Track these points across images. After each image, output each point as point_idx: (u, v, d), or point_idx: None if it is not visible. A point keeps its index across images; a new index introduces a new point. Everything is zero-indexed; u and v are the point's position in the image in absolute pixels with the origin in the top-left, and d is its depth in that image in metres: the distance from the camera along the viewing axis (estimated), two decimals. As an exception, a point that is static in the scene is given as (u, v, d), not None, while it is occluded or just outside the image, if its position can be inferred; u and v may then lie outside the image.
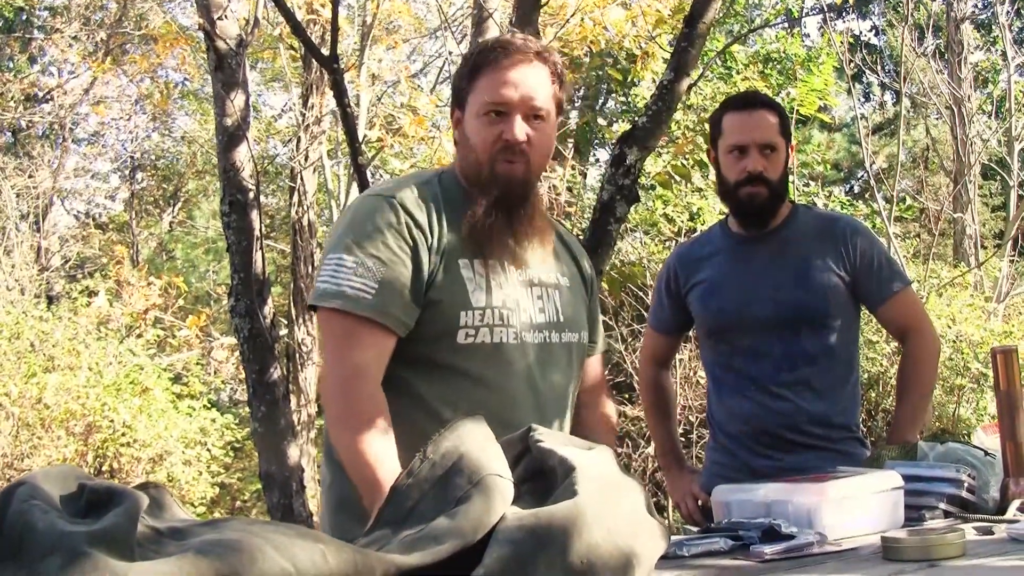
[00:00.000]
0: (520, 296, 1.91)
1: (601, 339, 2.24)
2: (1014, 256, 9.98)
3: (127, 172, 15.82)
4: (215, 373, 10.87)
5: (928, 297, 7.88)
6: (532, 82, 1.87)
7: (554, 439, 1.49)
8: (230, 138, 4.57)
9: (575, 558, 1.26)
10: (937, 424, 7.83)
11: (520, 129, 1.86)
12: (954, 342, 7.83)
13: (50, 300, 10.94)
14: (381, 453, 1.74)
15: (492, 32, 4.62)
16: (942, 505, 1.84)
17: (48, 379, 7.86)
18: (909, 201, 10.88)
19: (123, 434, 8.17)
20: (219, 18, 4.52)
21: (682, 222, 7.92)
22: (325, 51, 3.94)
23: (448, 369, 1.85)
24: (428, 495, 1.33)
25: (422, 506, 1.32)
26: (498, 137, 1.86)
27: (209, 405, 9.52)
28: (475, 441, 1.39)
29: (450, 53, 9.33)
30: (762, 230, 2.60)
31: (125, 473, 8.35)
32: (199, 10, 4.62)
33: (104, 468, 8.33)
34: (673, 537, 1.66)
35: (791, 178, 8.30)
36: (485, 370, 1.86)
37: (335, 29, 3.61)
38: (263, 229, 4.69)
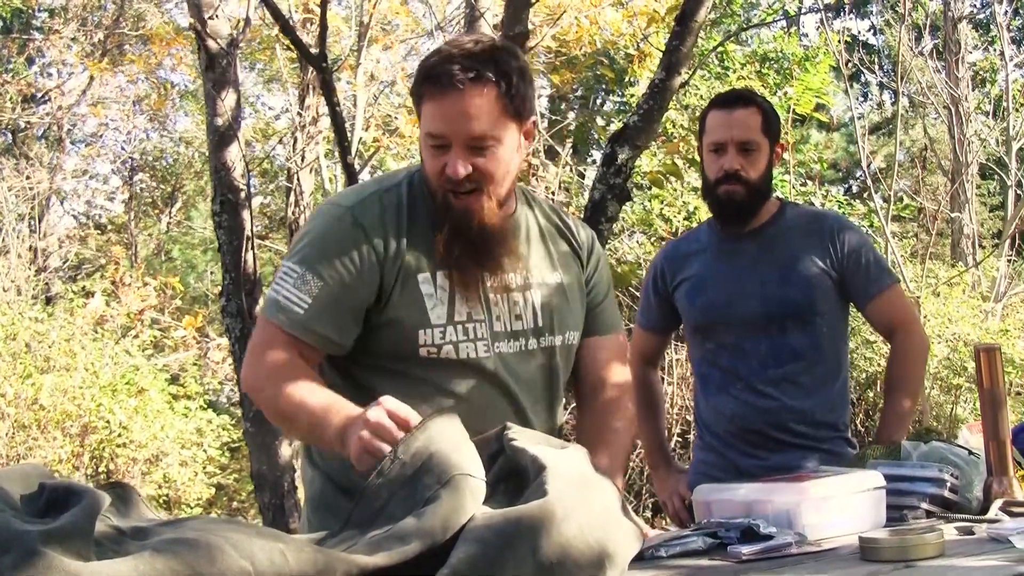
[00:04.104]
0: (493, 304, 1.85)
1: (612, 319, 2.08)
2: (1012, 255, 9.97)
3: (126, 173, 15.82)
4: (212, 374, 10.85)
5: (924, 296, 7.86)
6: (471, 112, 1.74)
7: (527, 438, 1.48)
8: (221, 138, 4.55)
9: (545, 557, 1.25)
10: (935, 423, 7.82)
11: (460, 165, 1.75)
12: (950, 341, 7.81)
13: (48, 301, 10.92)
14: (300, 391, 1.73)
15: (484, 32, 4.61)
16: (924, 505, 1.82)
17: (44, 380, 7.84)
18: (907, 200, 10.86)
19: (119, 435, 8.15)
20: (210, 18, 4.51)
21: (678, 222, 7.91)
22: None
23: (411, 378, 1.80)
24: (397, 495, 1.32)
25: (391, 506, 1.31)
26: (442, 170, 1.78)
27: (206, 406, 9.50)
28: (446, 440, 1.38)
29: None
30: (740, 229, 2.59)
31: (121, 474, 8.34)
32: (190, 10, 4.61)
33: (100, 469, 8.32)
34: (653, 536, 1.65)
35: (788, 178, 8.32)
36: (450, 383, 1.81)
37: (324, 28, 3.60)
38: (254, 229, 4.66)
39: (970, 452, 1.95)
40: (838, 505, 1.72)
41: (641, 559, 1.53)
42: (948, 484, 1.83)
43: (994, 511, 1.75)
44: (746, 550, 1.54)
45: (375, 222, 1.81)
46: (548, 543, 1.25)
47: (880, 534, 1.52)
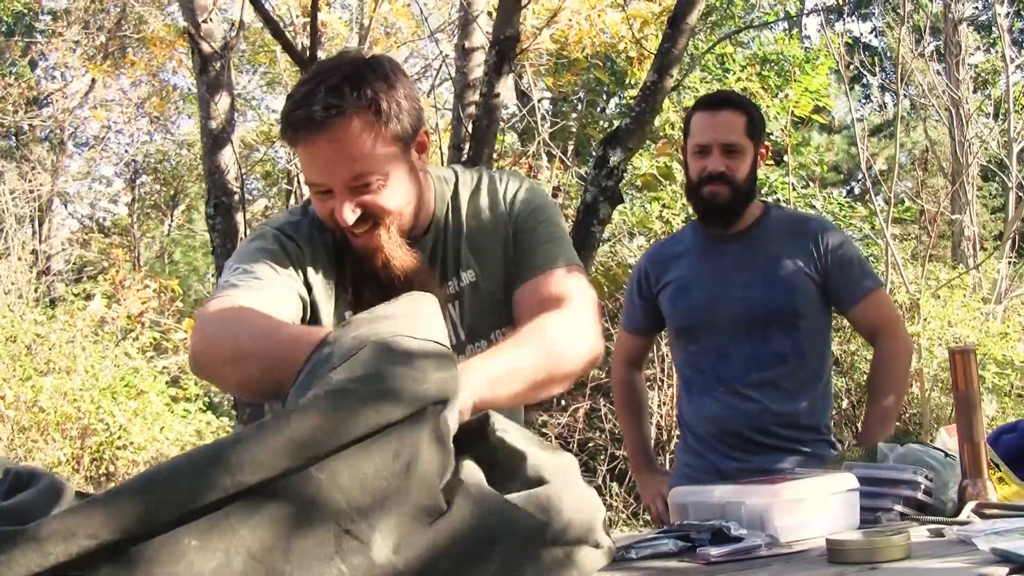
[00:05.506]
0: None
1: (545, 258, 1.77)
2: (1012, 257, 9.95)
3: (129, 175, 15.87)
4: (213, 376, 10.83)
5: (924, 298, 7.86)
6: (344, 152, 1.58)
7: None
8: (215, 141, 4.55)
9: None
10: (935, 425, 7.81)
11: (348, 210, 1.61)
12: (951, 344, 7.80)
13: (51, 304, 10.95)
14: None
15: (477, 35, 4.61)
16: (898, 507, 1.82)
17: (44, 382, 7.87)
18: (908, 203, 10.84)
19: (119, 437, 8.17)
20: (204, 21, 4.51)
21: (677, 223, 7.91)
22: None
23: None
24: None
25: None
26: (331, 216, 1.65)
27: (206, 408, 9.51)
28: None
29: (445, 56, 9.33)
30: (724, 231, 2.60)
31: (121, 476, 8.35)
32: (184, 13, 4.63)
33: (100, 471, 8.34)
34: (624, 538, 1.66)
35: (789, 180, 8.31)
36: None
37: (314, 31, 3.62)
38: (247, 232, 4.66)
39: (946, 454, 1.95)
40: (811, 507, 1.71)
41: (611, 561, 1.53)
42: (922, 486, 1.83)
43: (966, 513, 1.74)
44: (715, 552, 1.54)
45: (304, 242, 1.73)
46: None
47: (847, 536, 1.52)
